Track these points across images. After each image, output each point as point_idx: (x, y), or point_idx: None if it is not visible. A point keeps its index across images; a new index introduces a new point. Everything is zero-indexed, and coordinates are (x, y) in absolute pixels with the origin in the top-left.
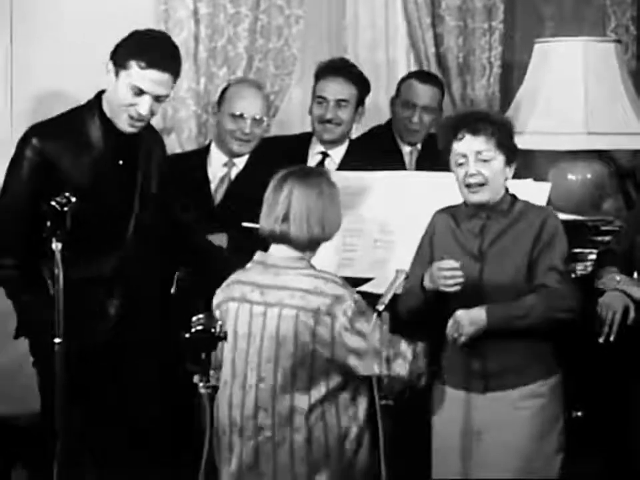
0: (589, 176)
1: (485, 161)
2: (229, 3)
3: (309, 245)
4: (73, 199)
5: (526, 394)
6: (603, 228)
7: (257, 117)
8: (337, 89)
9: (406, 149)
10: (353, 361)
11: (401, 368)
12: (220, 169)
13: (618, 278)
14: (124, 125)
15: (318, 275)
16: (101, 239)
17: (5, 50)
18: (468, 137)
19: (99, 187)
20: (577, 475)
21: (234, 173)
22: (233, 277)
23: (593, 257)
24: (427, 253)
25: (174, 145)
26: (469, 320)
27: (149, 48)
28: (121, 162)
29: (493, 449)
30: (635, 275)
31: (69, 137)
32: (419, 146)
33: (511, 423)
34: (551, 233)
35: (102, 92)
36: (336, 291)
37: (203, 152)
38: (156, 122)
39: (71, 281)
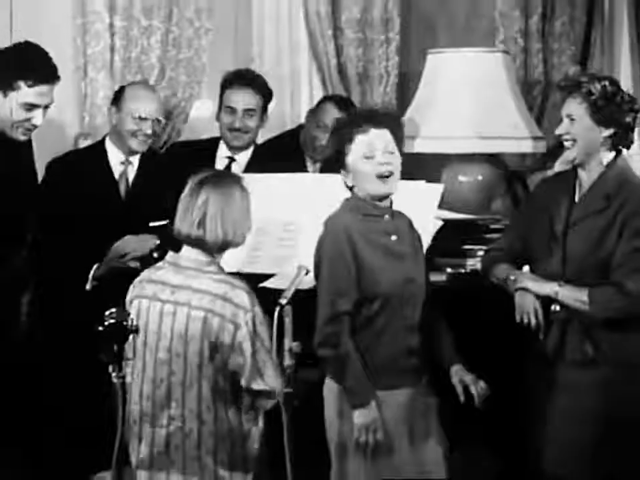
0: (479, 177)
1: (391, 152)
2: (143, 16)
3: (221, 248)
4: None
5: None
6: (492, 226)
7: (157, 117)
8: (244, 99)
9: (309, 162)
10: (238, 369)
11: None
12: (117, 167)
13: (512, 278)
14: (19, 136)
15: (227, 280)
16: (5, 238)
17: None
18: (374, 130)
19: None
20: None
21: (131, 171)
22: (145, 274)
23: (483, 253)
24: (351, 266)
25: None
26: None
27: (32, 65)
28: (8, 166)
29: (423, 441)
30: (526, 268)
31: None
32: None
33: (430, 412)
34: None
35: None
36: (242, 300)
37: (99, 149)
38: (74, 128)
39: None
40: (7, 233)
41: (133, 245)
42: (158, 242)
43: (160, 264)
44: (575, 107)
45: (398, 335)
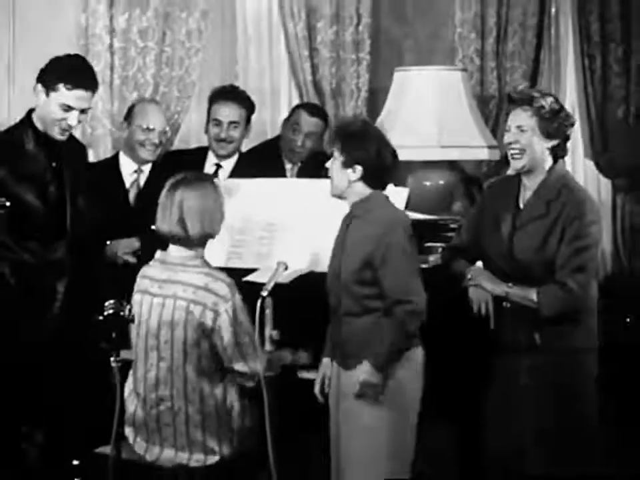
0: (441, 182)
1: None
2: (139, 38)
3: (202, 241)
4: (8, 204)
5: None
6: (452, 226)
7: (163, 128)
8: (229, 112)
9: (288, 165)
10: (221, 352)
11: (244, 368)
12: (129, 175)
13: (469, 275)
14: (57, 135)
15: (209, 273)
16: (49, 228)
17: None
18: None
19: (40, 186)
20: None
21: (142, 178)
22: (142, 271)
23: (440, 250)
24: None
25: (91, 158)
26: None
27: (73, 72)
28: (54, 164)
29: (362, 419)
30: (479, 263)
31: (11, 151)
32: (299, 162)
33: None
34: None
35: (31, 110)
36: (222, 290)
37: (112, 161)
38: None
39: (28, 265)
40: (54, 224)
41: (121, 246)
42: (139, 244)
43: (152, 262)
44: (526, 119)
45: (334, 318)
